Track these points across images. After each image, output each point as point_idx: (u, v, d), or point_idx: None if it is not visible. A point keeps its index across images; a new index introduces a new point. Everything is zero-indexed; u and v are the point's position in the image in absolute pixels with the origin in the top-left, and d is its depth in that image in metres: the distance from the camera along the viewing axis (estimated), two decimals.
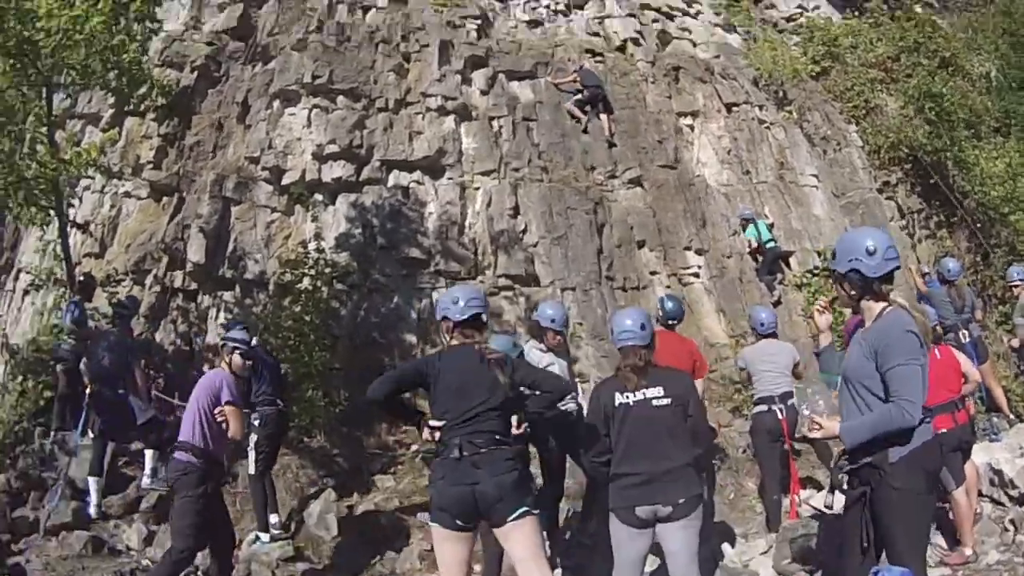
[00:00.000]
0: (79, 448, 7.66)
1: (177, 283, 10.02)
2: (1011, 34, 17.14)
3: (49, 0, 7.76)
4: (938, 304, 8.58)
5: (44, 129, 8.82)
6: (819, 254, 11.43)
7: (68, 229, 9.42)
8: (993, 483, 6.70)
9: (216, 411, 5.51)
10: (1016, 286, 9.23)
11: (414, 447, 8.94)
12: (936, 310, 7.79)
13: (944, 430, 5.73)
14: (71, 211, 9.94)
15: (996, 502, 6.62)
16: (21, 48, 7.93)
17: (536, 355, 6.13)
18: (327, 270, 9.68)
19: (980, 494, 6.50)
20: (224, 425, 5.54)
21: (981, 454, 6.82)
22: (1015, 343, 9.28)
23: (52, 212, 8.81)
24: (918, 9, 16.42)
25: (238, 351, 6.06)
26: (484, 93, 11.85)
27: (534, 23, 13.35)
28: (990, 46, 17.02)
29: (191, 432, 5.45)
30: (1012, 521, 6.13)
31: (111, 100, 10.53)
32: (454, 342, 4.32)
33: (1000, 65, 16.62)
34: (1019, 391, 10.29)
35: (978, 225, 12.70)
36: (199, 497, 5.32)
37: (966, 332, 8.75)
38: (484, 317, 4.40)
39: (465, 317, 4.28)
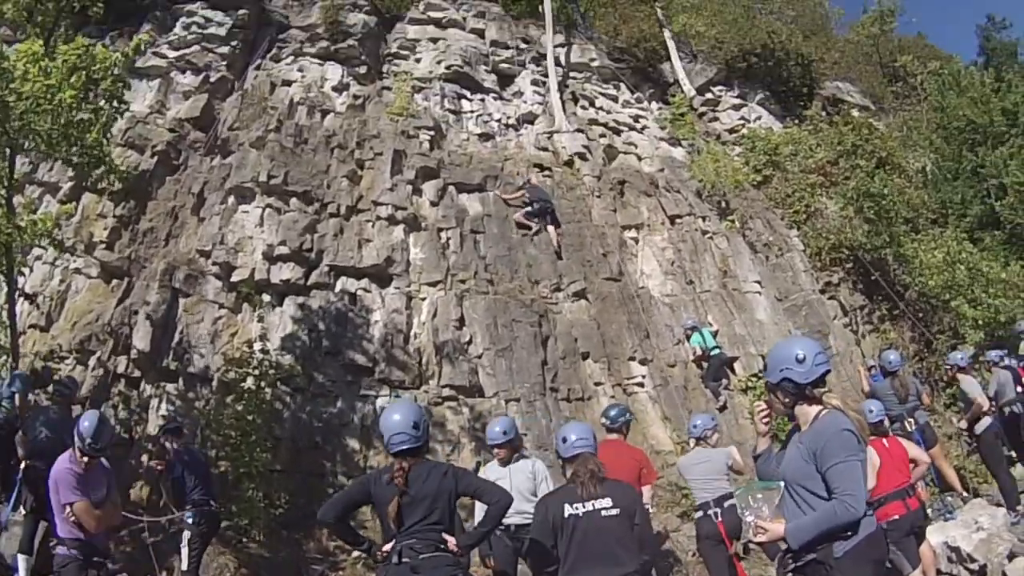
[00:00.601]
0: (10, 523, 7.29)
1: (120, 368, 9.74)
2: (944, 128, 18.05)
3: (27, 63, 7.82)
4: (883, 397, 8.60)
5: (3, 191, 8.70)
6: (763, 358, 11.46)
7: (16, 297, 9.19)
8: (951, 560, 6.75)
9: (65, 515, 5.09)
10: (962, 369, 9.35)
11: (355, 553, 8.51)
12: (882, 402, 7.84)
13: (897, 516, 5.94)
14: (20, 279, 9.77)
15: None
16: None
17: (492, 471, 6.27)
18: (271, 371, 9.51)
19: (939, 572, 6.46)
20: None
21: (937, 534, 6.87)
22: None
23: (2, 277, 8.62)
24: (855, 113, 17.30)
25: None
26: (434, 204, 12.06)
27: (485, 136, 13.78)
28: (924, 142, 17.92)
29: (61, 527, 5.15)
30: None
31: (71, 173, 10.55)
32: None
33: (935, 159, 17.45)
34: (972, 468, 10.26)
35: (920, 315, 12.92)
36: None
37: (912, 420, 8.77)
38: (417, 445, 4.25)
39: (393, 452, 4.24)
